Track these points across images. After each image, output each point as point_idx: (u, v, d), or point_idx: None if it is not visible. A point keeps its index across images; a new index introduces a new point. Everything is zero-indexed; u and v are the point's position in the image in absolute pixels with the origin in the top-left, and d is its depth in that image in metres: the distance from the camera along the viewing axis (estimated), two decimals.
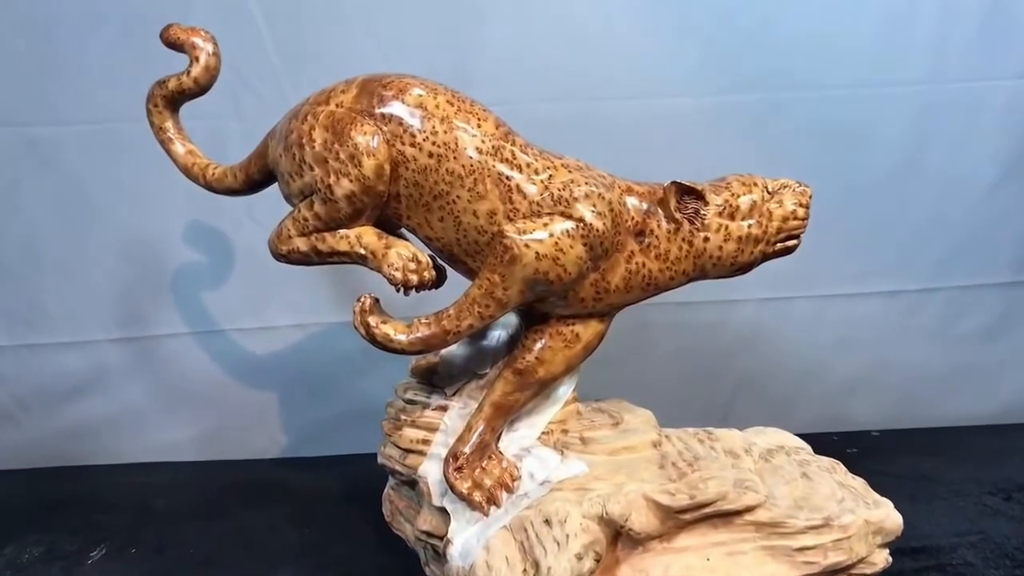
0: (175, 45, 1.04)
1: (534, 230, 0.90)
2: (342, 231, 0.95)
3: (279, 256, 0.99)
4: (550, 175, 0.93)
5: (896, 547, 1.02)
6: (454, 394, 1.06)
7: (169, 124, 1.09)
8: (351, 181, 0.91)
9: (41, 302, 1.50)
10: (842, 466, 1.08)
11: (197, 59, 1.04)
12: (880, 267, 1.57)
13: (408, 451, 1.04)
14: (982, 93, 1.48)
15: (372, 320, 0.94)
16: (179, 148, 1.10)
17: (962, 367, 1.61)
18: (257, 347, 1.54)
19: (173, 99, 1.07)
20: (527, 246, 0.90)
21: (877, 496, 1.01)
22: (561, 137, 1.39)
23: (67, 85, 1.41)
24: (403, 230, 1.01)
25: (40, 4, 1.38)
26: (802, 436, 1.55)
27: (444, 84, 0.97)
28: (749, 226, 0.94)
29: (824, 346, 1.58)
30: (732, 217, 0.94)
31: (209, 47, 1.04)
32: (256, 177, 1.05)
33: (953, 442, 1.56)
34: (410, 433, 1.05)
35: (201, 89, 1.05)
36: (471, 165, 0.92)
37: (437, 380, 1.07)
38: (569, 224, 0.90)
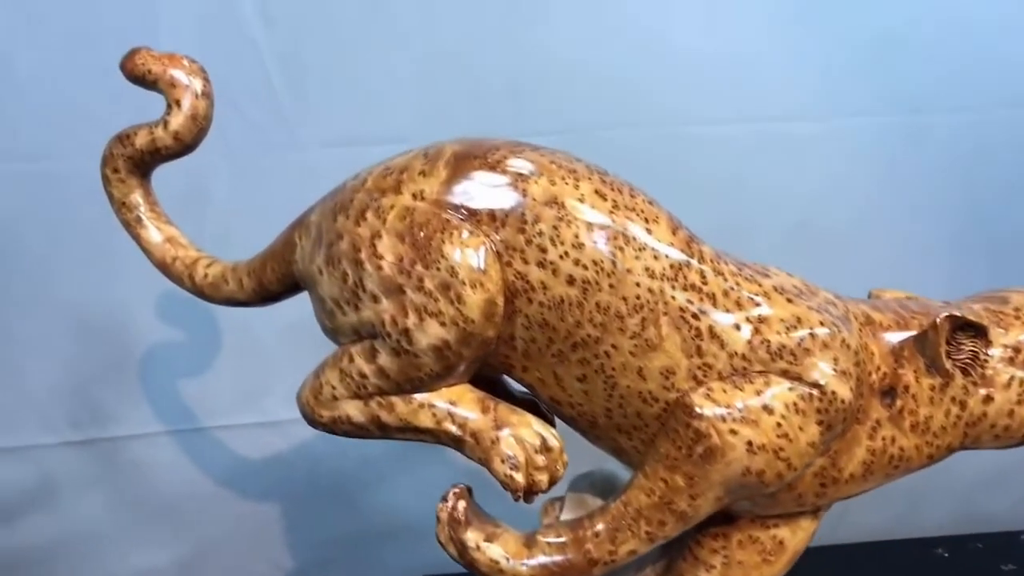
0: (144, 81, 0.68)
1: (742, 403, 0.56)
2: (421, 397, 0.61)
3: (316, 424, 0.65)
4: (761, 311, 0.58)
5: None
6: None
7: (138, 198, 0.74)
8: (443, 325, 0.57)
9: None
10: None
11: (178, 103, 0.68)
12: None
13: None
14: None
15: (471, 537, 0.59)
16: (153, 235, 0.75)
17: None
18: (252, 448, 1.23)
19: (143, 161, 0.72)
20: (733, 432, 0.56)
21: None
22: (641, 172, 1.11)
23: None
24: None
25: None
26: (934, 540, 1.30)
27: (582, 159, 0.62)
28: None
29: None
30: None
31: (197, 84, 0.69)
32: (273, 288, 0.70)
33: None
34: None
35: (184, 147, 0.70)
36: (638, 297, 0.57)
37: None
38: (798, 392, 0.57)
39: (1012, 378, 0.61)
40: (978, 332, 0.61)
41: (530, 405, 0.67)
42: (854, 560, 1.25)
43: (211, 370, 1.20)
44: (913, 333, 0.62)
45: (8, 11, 1.05)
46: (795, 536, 0.66)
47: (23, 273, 1.14)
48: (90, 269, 1.15)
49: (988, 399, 0.62)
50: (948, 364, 0.61)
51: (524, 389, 0.67)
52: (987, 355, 0.61)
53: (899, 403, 0.61)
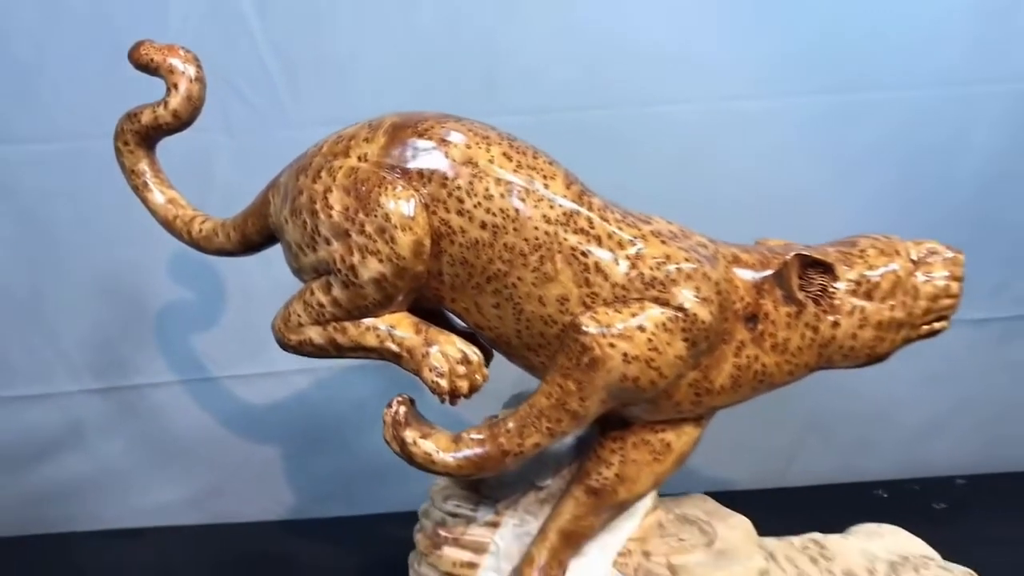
0: (148, 68, 0.82)
1: (620, 323, 0.69)
2: (368, 321, 0.74)
3: (287, 347, 0.78)
4: (639, 249, 0.71)
5: None
6: (507, 507, 0.85)
7: (144, 166, 0.87)
8: (381, 261, 0.70)
9: (2, 350, 1.30)
10: None
11: (176, 87, 0.82)
12: (969, 292, 1.32)
13: None
14: None
15: (409, 435, 0.73)
16: (157, 196, 0.88)
17: None
18: (257, 396, 1.34)
19: (148, 135, 0.86)
20: (612, 345, 0.69)
21: None
22: (605, 149, 1.21)
23: (21, 96, 1.20)
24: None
25: None
26: (877, 484, 1.38)
27: (495, 127, 0.76)
28: (891, 307, 0.73)
29: (902, 381, 1.37)
30: (869, 296, 0.74)
31: (191, 70, 0.82)
32: (254, 239, 0.84)
33: None
34: (452, 554, 0.85)
35: (181, 123, 0.84)
36: (536, 238, 0.71)
37: (485, 488, 0.87)
38: (666, 314, 0.70)
39: (854, 307, 0.74)
40: (826, 269, 0.74)
41: (470, 336, 0.81)
42: (800, 501, 1.34)
43: (219, 326, 1.31)
44: (773, 271, 0.75)
45: (45, 12, 1.17)
46: (680, 439, 0.79)
47: (54, 240, 1.26)
48: (112, 236, 1.25)
49: (836, 324, 0.74)
50: (800, 295, 0.74)
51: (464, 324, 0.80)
52: (834, 288, 0.74)
53: (760, 327, 0.74)
